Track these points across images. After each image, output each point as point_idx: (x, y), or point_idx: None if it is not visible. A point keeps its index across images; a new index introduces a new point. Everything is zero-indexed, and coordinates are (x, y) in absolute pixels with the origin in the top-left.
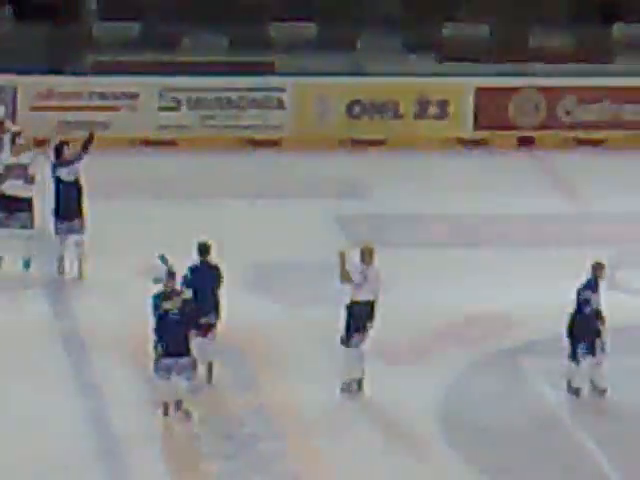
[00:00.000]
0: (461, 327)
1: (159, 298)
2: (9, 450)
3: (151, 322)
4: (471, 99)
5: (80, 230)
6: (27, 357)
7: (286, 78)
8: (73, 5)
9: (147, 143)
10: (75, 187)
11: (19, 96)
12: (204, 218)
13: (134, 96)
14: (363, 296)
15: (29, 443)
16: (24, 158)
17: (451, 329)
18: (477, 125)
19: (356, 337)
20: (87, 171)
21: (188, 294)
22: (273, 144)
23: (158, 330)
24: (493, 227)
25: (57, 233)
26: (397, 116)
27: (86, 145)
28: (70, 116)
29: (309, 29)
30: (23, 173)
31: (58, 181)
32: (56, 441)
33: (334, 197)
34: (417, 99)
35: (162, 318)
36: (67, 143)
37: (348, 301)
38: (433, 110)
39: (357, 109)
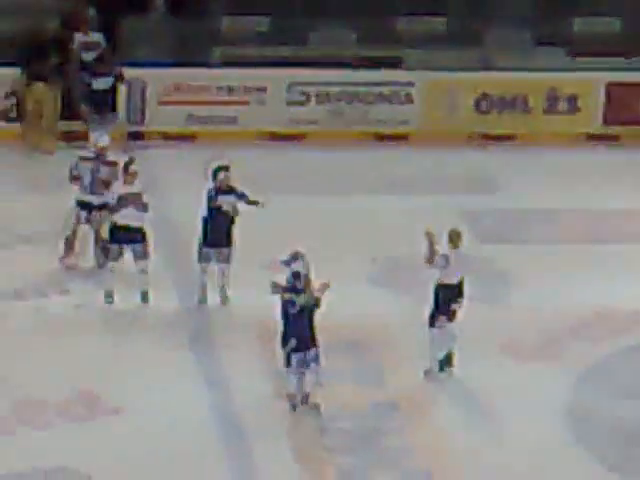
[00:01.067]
0: (591, 323)
1: (289, 292)
2: (139, 443)
3: (280, 317)
4: (601, 94)
5: (227, 260)
6: (158, 348)
7: (414, 73)
8: None
9: (275, 137)
10: (229, 216)
11: (148, 90)
12: (332, 213)
13: (262, 90)
14: (448, 279)
15: (158, 436)
16: (136, 186)
17: (581, 325)
18: (607, 120)
19: (441, 320)
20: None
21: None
22: (401, 138)
23: (288, 324)
24: (623, 222)
25: (201, 261)
26: (526, 111)
27: (240, 194)
28: (198, 110)
29: (438, 23)
30: (136, 202)
31: (212, 209)
32: (184, 435)
33: (461, 192)
34: (546, 94)
35: (293, 313)
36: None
37: (435, 283)
38: (563, 105)
39: (486, 104)
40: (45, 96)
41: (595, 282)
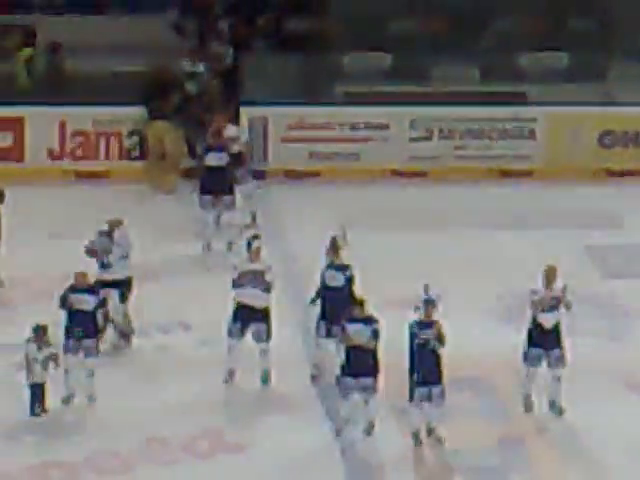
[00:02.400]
0: None
1: (416, 327)
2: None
3: (407, 351)
4: None
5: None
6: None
7: (538, 108)
8: (324, 36)
9: (398, 174)
10: (347, 292)
11: (270, 127)
12: (453, 247)
13: (385, 127)
14: (541, 318)
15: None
16: (260, 264)
17: None
18: None
19: (531, 358)
20: (332, 202)
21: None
22: (525, 174)
23: (414, 358)
24: None
25: (321, 335)
26: None
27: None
28: (321, 147)
29: (561, 59)
30: (260, 280)
31: (327, 287)
32: (309, 473)
33: (586, 227)
34: None
35: (420, 347)
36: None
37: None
38: None
39: (609, 139)
40: (166, 134)
41: None
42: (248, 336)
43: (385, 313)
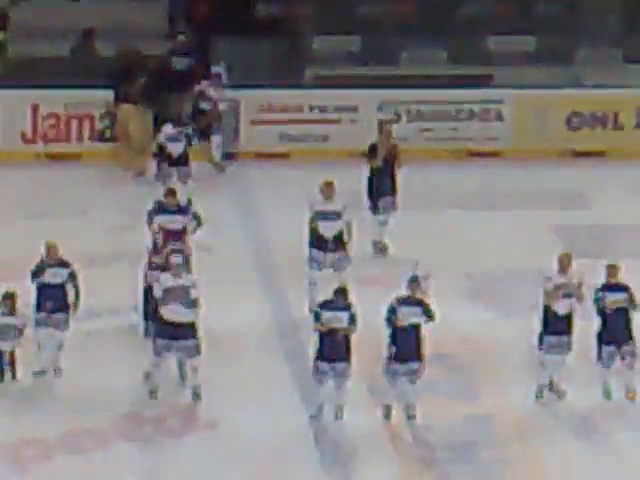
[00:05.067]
0: None
1: (398, 304)
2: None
3: (384, 328)
4: None
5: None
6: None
7: (505, 90)
8: (294, 20)
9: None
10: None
11: (241, 110)
12: (422, 227)
13: (354, 109)
14: (556, 306)
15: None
16: (184, 279)
17: None
18: None
19: (547, 346)
20: (302, 183)
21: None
22: (492, 155)
23: (394, 335)
24: None
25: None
26: (617, 127)
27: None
28: (291, 129)
29: (528, 42)
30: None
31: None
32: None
33: (553, 208)
34: (637, 110)
35: (400, 324)
36: None
37: (542, 307)
38: None
39: (577, 121)
40: (131, 118)
41: None
42: None
43: (358, 290)
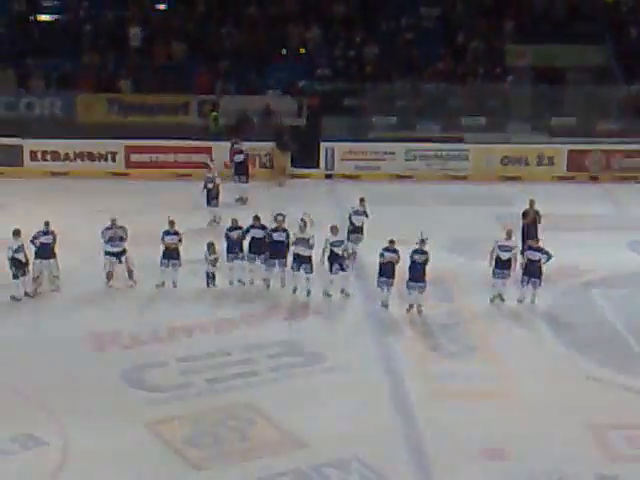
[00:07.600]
0: None
1: (413, 252)
2: None
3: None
4: None
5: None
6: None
7: (471, 145)
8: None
9: None
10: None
11: None
12: (418, 217)
13: None
14: (501, 255)
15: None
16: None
17: None
18: None
19: (496, 275)
20: None
21: None
22: (462, 178)
23: (411, 267)
24: None
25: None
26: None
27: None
28: None
29: (480, 121)
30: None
31: (413, 262)
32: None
33: (495, 205)
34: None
35: (414, 262)
36: None
37: (495, 256)
38: None
39: (506, 161)
40: (278, 156)
41: None
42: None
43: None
